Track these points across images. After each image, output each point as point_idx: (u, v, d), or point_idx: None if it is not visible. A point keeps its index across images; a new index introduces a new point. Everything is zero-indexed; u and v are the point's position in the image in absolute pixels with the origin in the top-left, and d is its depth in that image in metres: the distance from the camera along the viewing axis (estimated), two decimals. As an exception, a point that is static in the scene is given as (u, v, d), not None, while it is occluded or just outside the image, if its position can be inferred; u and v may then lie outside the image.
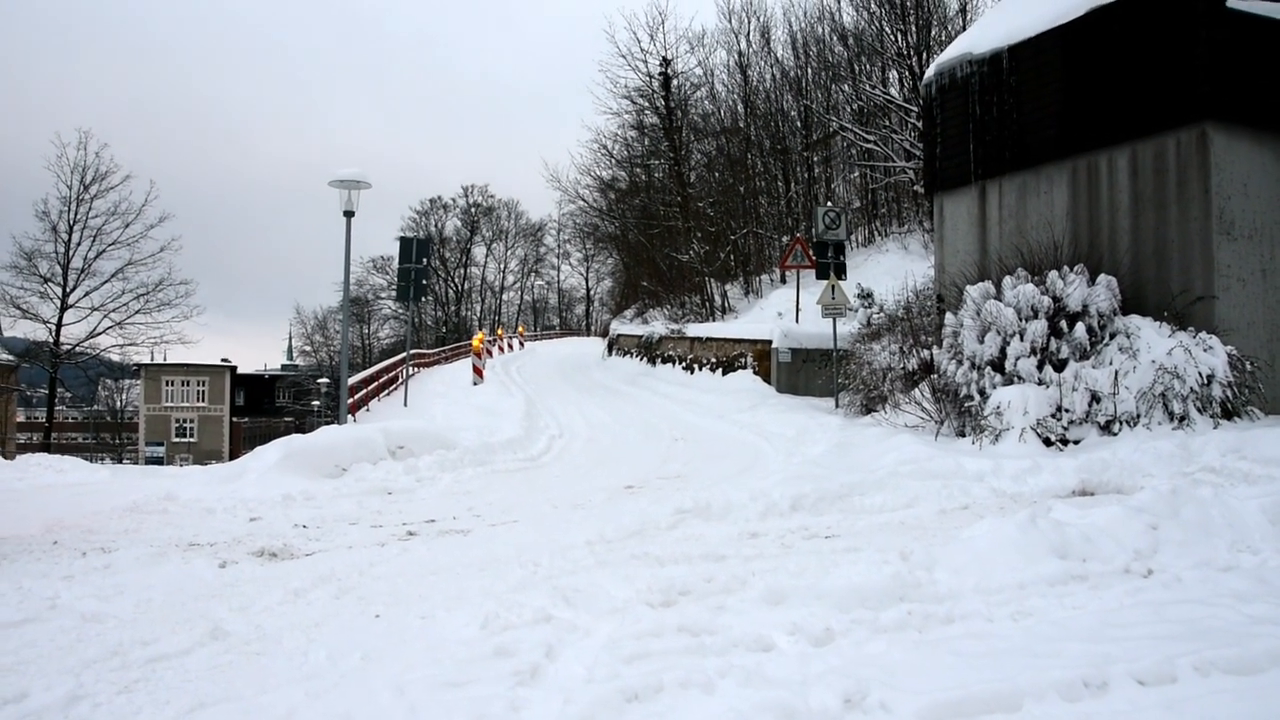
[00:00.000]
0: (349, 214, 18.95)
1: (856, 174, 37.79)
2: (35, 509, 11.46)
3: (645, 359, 34.67)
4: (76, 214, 47.26)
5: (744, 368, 25.08)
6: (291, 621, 5.65)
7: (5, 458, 24.28)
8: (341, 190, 18.68)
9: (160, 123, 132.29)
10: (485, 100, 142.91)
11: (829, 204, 30.49)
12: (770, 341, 23.85)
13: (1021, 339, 13.08)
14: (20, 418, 67.58)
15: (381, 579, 6.76)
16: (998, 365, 13.36)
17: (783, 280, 33.76)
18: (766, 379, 23.80)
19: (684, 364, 29.92)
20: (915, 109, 29.10)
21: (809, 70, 39.11)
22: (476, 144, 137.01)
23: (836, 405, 19.35)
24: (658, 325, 35.18)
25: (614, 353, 41.73)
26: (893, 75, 35.08)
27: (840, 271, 21.89)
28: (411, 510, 10.49)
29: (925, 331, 16.92)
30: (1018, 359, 13.02)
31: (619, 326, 43.87)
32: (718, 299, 35.15)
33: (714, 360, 27.25)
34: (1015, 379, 12.97)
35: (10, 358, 56.89)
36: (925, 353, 16.30)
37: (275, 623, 5.62)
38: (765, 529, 7.90)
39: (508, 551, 7.57)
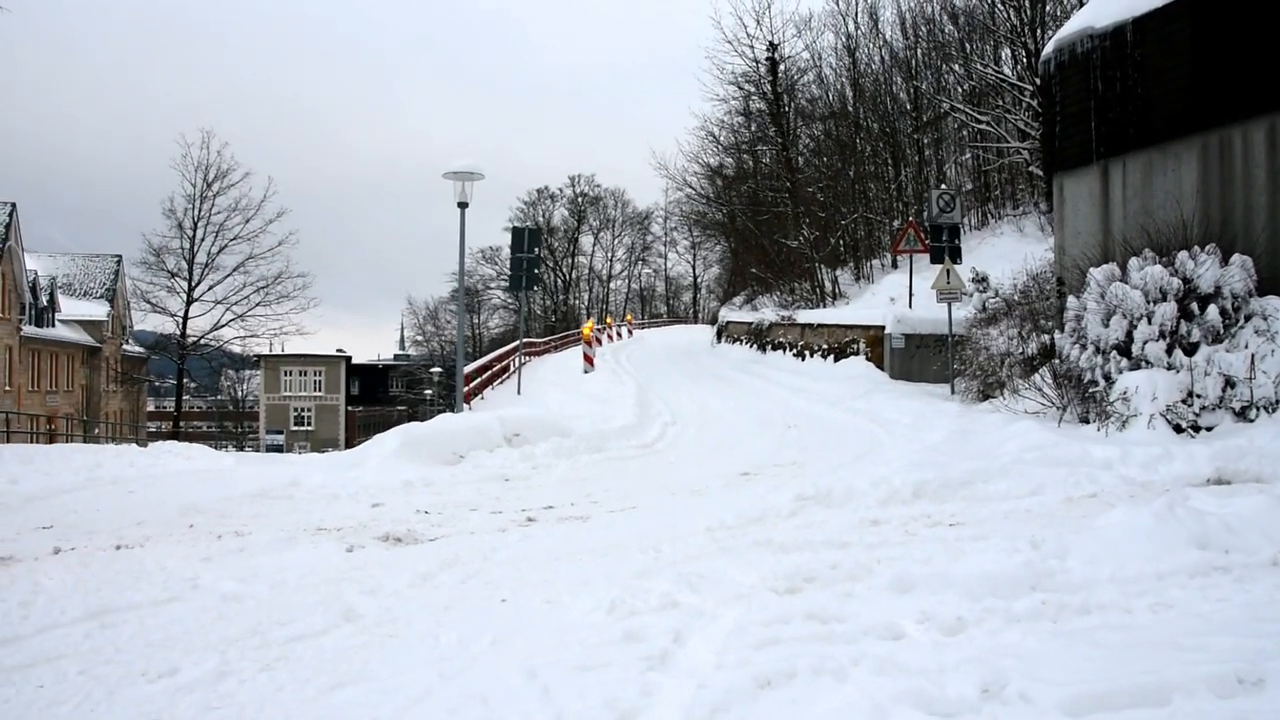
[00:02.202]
0: (463, 205, 19.24)
1: (969, 156, 36.92)
2: (170, 494, 11.91)
3: (755, 346, 34.48)
4: (200, 211, 49.03)
5: (856, 354, 24.77)
6: (420, 604, 5.77)
7: (139, 445, 25.32)
8: (455, 182, 18.97)
9: (254, 120, 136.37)
10: (581, 89, 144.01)
11: (942, 186, 29.87)
12: (883, 327, 23.50)
13: (1149, 322, 12.63)
14: (150, 407, 70.61)
15: (505, 564, 6.85)
16: (1123, 349, 12.93)
17: (894, 265, 33.23)
18: (879, 365, 23.46)
19: (795, 351, 29.68)
20: (1030, 88, 28.28)
21: (919, 51, 38.30)
22: (580, 134, 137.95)
23: (952, 391, 18.98)
24: (767, 312, 34.96)
25: (723, 340, 41.62)
26: (1006, 54, 34.10)
27: (955, 255, 21.44)
28: (530, 497, 10.59)
29: (1044, 316, 16.47)
30: (1145, 343, 12.58)
31: (728, 313, 43.72)
32: (828, 285, 34.73)
33: (825, 347, 26.97)
34: (1142, 364, 12.55)
35: (141, 350, 59.48)
36: (1045, 337, 15.87)
37: (405, 606, 5.74)
38: (887, 516, 7.79)
39: (628, 537, 7.61)
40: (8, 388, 44.15)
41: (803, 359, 28.51)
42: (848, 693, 3.84)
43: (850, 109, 39.56)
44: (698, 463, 13.53)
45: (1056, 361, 14.28)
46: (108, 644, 5.12)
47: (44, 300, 49.40)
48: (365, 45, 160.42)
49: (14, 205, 44.63)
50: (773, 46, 41.18)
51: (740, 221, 45.43)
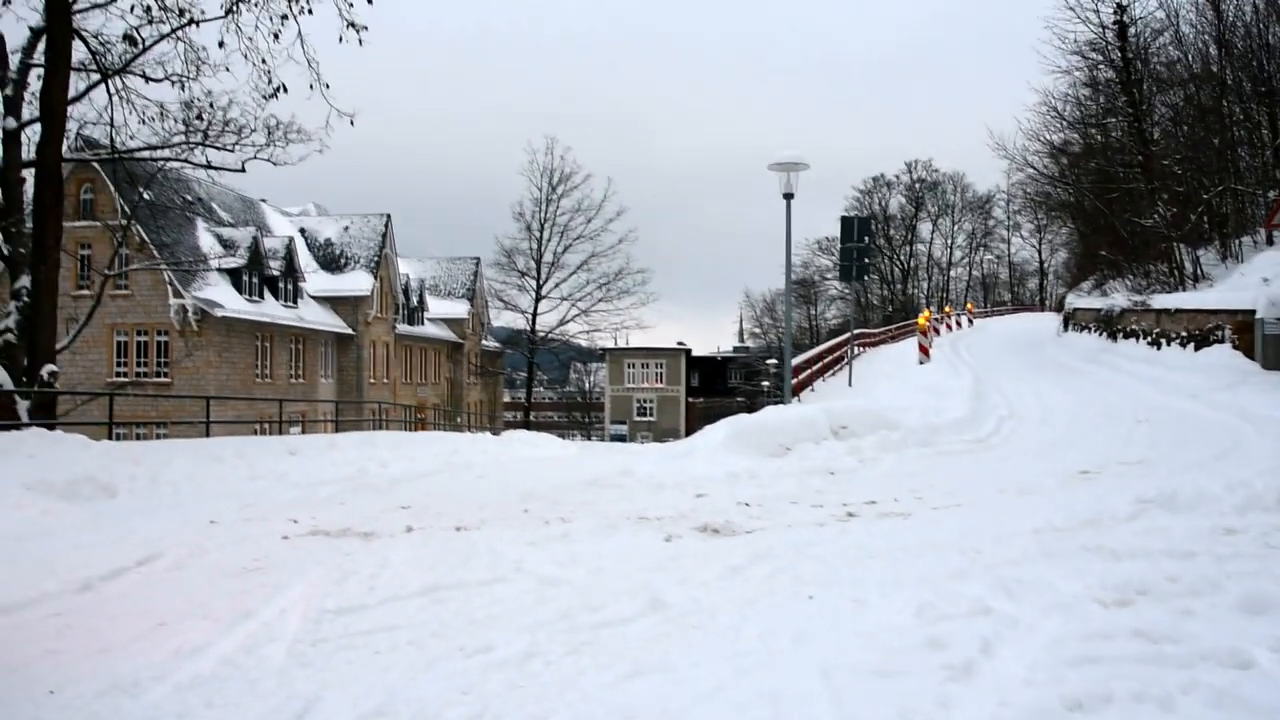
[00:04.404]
0: (788, 196, 19.24)
1: (1370, 110, 32.46)
2: (513, 480, 12.76)
3: (1105, 334, 32.30)
4: (546, 213, 52.23)
5: (1220, 341, 22.54)
6: (727, 597, 5.79)
7: (494, 434, 27.26)
8: (780, 173, 19.00)
9: (584, 124, 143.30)
10: (916, 71, 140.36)
11: (1328, 151, 26.53)
12: (1253, 311, 21.22)
13: None
14: (506, 398, 75.90)
15: (817, 559, 6.75)
16: None
17: (1269, 242, 29.86)
18: (1249, 354, 21.21)
19: (1149, 338, 27.46)
20: None
21: (1303, -9, 34.03)
22: (915, 118, 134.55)
23: (1340, 383, 16.85)
24: (1118, 297, 32.56)
25: (1070, 328, 39.32)
26: None
27: (1343, 228, 19.02)
28: (852, 491, 10.42)
29: None
30: None
31: (1075, 300, 41.24)
32: (1188, 266, 31.74)
33: (1184, 334, 24.74)
34: None
35: (497, 345, 64.17)
36: None
37: (712, 597, 5.78)
38: (1244, 525, 6.94)
39: (948, 537, 7.28)
40: (385, 380, 48.85)
41: (1158, 347, 26.32)
42: (1172, 725, 3.44)
43: (1214, 70, 35.86)
44: (1032, 459, 12.79)
45: None
46: (436, 618, 5.54)
47: (414, 301, 54.17)
48: (681, 46, 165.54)
49: (389, 216, 49.21)
50: (1120, 8, 38.06)
51: (1088, 201, 42.46)
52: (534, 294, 52.71)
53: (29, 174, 15.58)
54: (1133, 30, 38.21)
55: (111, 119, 16.37)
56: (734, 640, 4.88)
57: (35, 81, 15.41)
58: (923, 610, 5.10)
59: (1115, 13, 37.97)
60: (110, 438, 15.43)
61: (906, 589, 5.65)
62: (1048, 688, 3.82)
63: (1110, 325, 31.93)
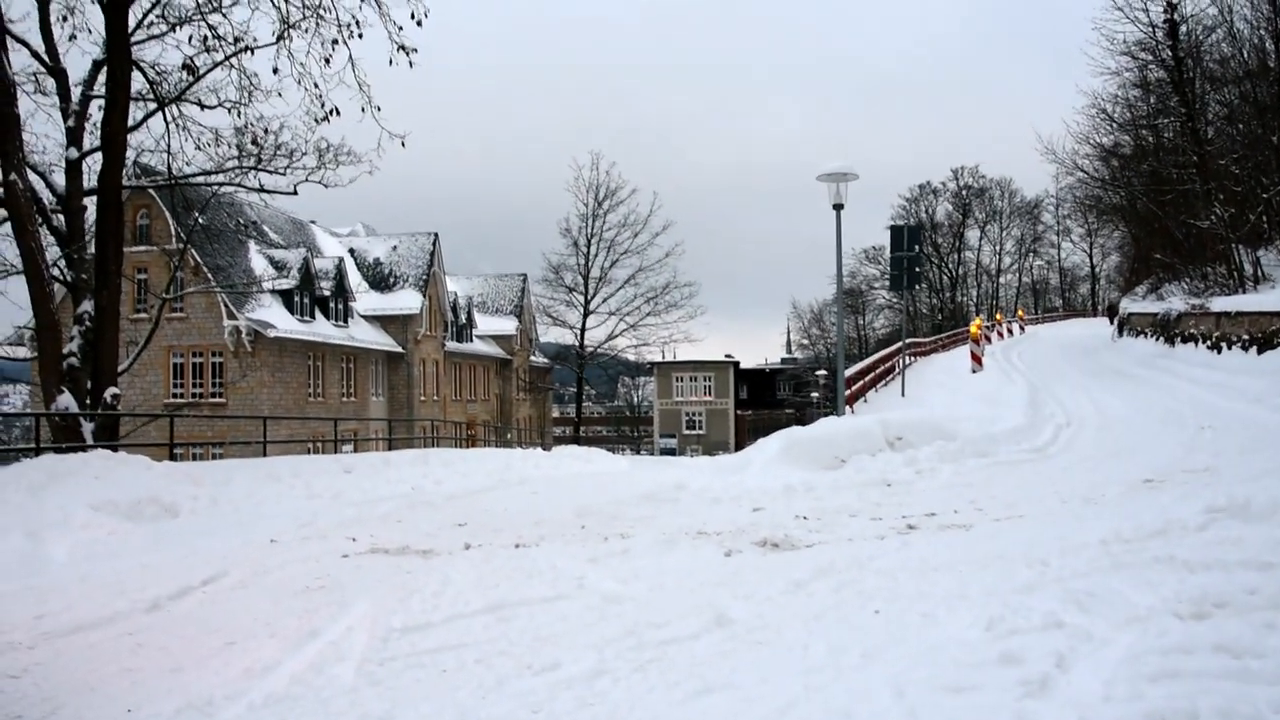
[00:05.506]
0: (838, 207, 19.15)
1: None
2: (567, 496, 12.79)
3: (1162, 339, 31.76)
4: (593, 229, 52.48)
5: (1285, 344, 22.08)
6: (792, 612, 5.74)
7: (544, 449, 27.35)
8: (829, 184, 18.91)
9: (617, 141, 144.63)
10: (958, 76, 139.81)
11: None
12: (1318, 313, 20.79)
13: None
14: (555, 413, 76.19)
15: (881, 573, 6.67)
16: None
17: (1333, 242, 29.30)
18: (1315, 356, 20.76)
19: (1209, 343, 26.95)
20: None
21: (1367, -18, 33.28)
22: (962, 124, 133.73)
23: None
24: (1175, 301, 32.02)
25: (1125, 333, 38.75)
26: None
27: None
28: (911, 503, 10.31)
29: None
30: None
31: (1129, 305, 40.65)
32: (1247, 268, 31.13)
33: (1246, 337, 24.25)
34: None
35: (545, 360, 64.54)
36: None
37: (776, 613, 5.74)
38: (1323, 533, 6.77)
39: (1012, 549, 7.16)
40: (435, 397, 49.20)
41: (1218, 352, 25.82)
42: (1265, 743, 3.34)
43: (1271, 65, 35.18)
44: (1093, 468, 12.56)
45: None
46: (501, 636, 5.57)
47: (463, 318, 54.59)
48: (710, 62, 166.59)
49: (436, 235, 49.67)
50: (1171, 6, 37.48)
51: (1140, 204, 41.84)
52: (582, 309, 52.95)
53: (89, 201, 15.93)
54: (1184, 28, 37.60)
55: (168, 146, 16.75)
56: (802, 656, 4.83)
57: (96, 112, 15.77)
58: (993, 624, 5.01)
59: (1165, 11, 37.38)
60: (170, 458, 15.67)
61: (974, 603, 5.57)
62: (1129, 704, 3.72)
63: (1167, 330, 31.42)
